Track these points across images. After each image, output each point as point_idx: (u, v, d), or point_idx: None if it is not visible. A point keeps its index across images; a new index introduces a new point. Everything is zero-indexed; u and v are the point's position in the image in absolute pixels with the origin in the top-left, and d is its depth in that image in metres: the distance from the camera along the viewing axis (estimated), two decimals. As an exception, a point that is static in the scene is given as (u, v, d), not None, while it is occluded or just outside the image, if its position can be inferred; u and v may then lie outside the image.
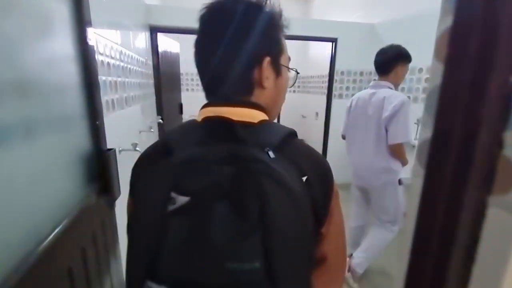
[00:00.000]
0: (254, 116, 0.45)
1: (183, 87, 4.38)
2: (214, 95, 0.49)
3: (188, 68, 4.73)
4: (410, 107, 1.45)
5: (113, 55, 1.16)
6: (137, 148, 1.23)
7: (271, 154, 0.39)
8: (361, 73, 3.34)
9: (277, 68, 0.49)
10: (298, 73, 0.57)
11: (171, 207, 0.34)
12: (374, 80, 1.65)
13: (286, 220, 0.35)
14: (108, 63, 1.09)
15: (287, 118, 3.50)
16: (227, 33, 0.44)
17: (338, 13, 4.02)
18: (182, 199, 0.34)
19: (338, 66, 3.20)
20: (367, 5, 3.33)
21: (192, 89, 4.80)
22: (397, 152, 1.49)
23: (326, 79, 3.88)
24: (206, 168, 0.36)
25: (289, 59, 0.54)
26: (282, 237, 0.35)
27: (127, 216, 0.48)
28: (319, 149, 2.87)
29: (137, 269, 0.36)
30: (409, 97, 2.36)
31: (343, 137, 1.79)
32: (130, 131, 1.43)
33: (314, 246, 0.43)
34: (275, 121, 0.54)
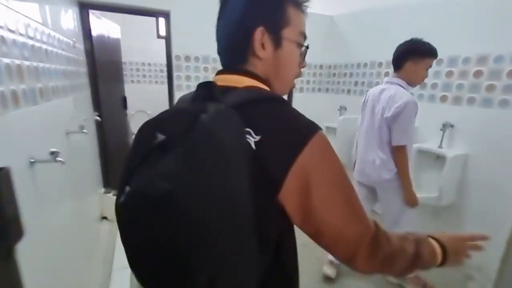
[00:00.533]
0: (240, 81, 0.50)
1: (127, 78, 3.88)
2: (222, 65, 0.55)
3: (133, 56, 4.24)
4: (415, 109, 1.40)
5: (12, 28, 0.81)
6: (59, 158, 0.90)
7: (220, 110, 0.42)
8: (321, 66, 3.25)
9: (277, 40, 0.51)
10: (307, 48, 0.56)
11: (154, 142, 0.42)
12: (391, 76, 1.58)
13: (207, 168, 0.38)
14: (2, 37, 0.74)
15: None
16: (227, 5, 0.51)
17: None
18: (160, 137, 0.41)
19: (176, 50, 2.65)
20: None
21: (138, 81, 4.27)
22: (396, 155, 1.46)
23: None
24: (178, 117, 0.43)
25: (303, 34, 0.54)
26: (186, 185, 0.37)
27: None
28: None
29: (120, 181, 0.43)
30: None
31: None
32: (51, 135, 1.07)
33: (259, 201, 0.41)
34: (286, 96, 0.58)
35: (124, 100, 2.96)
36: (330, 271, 1.72)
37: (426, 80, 1.58)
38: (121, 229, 0.44)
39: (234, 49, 0.52)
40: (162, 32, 2.56)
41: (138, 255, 0.43)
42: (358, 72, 2.84)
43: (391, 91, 1.44)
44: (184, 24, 2.49)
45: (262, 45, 0.50)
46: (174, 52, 2.57)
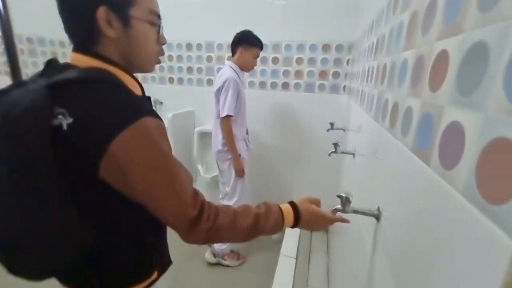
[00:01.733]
0: (83, 62, 0.51)
1: None
2: (73, 44, 0.54)
3: None
4: (236, 86, 1.60)
5: None
6: None
7: (34, 86, 0.45)
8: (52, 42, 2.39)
9: (124, 19, 0.51)
10: (158, 26, 0.58)
11: None
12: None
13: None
14: None
15: None
16: None
17: None
18: None
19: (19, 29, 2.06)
20: None
21: None
22: (221, 126, 1.65)
23: None
24: (19, 89, 0.46)
25: (155, 13, 0.56)
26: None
27: None
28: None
29: None
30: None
31: None
32: None
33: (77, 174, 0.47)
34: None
35: None
36: (209, 256, 1.93)
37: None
38: None
39: (80, 30, 0.51)
40: None
41: None
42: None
43: (221, 72, 1.68)
44: None
45: (110, 24, 0.50)
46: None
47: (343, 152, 1.25)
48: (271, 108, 2.23)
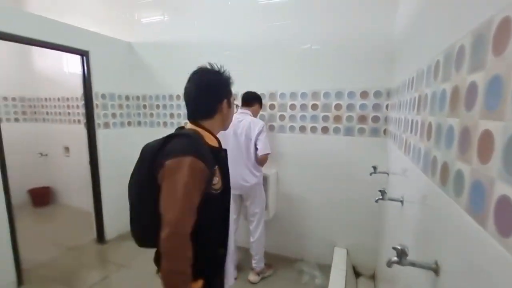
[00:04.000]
0: (189, 127, 0.97)
1: None
2: (188, 116, 1.00)
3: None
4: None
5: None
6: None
7: (165, 137, 0.90)
8: (127, 98, 2.96)
9: (229, 103, 1.04)
10: (237, 106, 1.22)
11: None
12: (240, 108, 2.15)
13: (140, 169, 0.90)
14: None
15: (15, 158, 2.56)
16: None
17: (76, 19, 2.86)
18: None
19: (96, 88, 2.60)
20: (123, 23, 2.98)
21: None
22: (263, 161, 2.03)
23: (76, 103, 3.48)
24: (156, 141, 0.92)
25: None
26: (135, 181, 0.90)
27: None
28: (86, 196, 2.82)
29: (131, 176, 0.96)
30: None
31: None
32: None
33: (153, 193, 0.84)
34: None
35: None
36: (253, 277, 2.20)
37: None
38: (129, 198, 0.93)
39: (203, 111, 0.99)
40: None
41: (132, 209, 0.93)
42: (172, 104, 2.87)
43: (248, 119, 2.03)
44: (103, 63, 2.64)
45: (221, 108, 1.00)
46: (95, 90, 2.60)
47: (390, 199, 1.26)
48: (312, 151, 2.31)
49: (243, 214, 2.28)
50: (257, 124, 2.02)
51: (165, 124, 2.97)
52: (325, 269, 2.30)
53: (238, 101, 2.38)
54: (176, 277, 0.78)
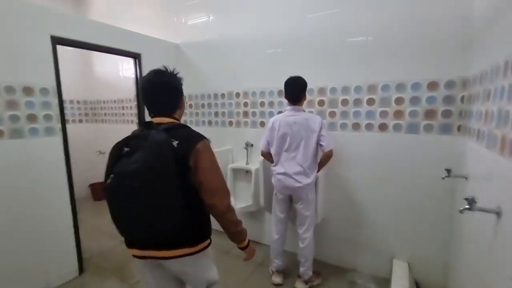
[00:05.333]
0: (164, 120, 1.09)
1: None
2: (153, 112, 1.12)
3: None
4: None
5: None
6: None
7: (159, 131, 0.97)
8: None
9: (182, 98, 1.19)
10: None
11: (123, 152, 0.97)
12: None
13: (151, 157, 0.90)
14: None
15: (78, 156, 2.86)
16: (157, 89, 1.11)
17: (127, 23, 3.02)
18: (125, 149, 0.97)
19: None
20: (170, 26, 3.10)
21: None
22: (328, 157, 1.90)
23: (129, 104, 3.72)
24: (135, 136, 1.02)
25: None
26: (149, 174, 0.89)
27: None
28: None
29: (106, 175, 0.95)
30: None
31: (264, 153, 2.09)
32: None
33: (179, 174, 0.95)
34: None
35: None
36: (300, 285, 2.06)
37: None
38: (110, 202, 0.95)
39: (167, 107, 1.13)
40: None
41: (121, 210, 0.95)
42: (217, 103, 2.85)
43: (303, 115, 1.89)
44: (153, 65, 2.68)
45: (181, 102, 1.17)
46: None
47: (481, 210, 1.02)
48: (366, 150, 2.10)
49: (291, 217, 2.15)
50: (315, 120, 1.88)
51: (209, 122, 2.98)
52: (381, 282, 2.07)
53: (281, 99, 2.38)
54: (239, 226, 1.12)
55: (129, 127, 3.76)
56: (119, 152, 0.95)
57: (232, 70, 2.68)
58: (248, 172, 2.60)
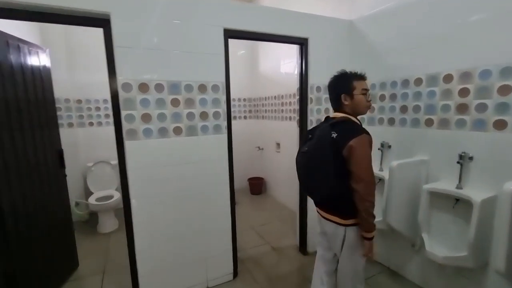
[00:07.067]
0: (338, 115, 1.35)
1: (63, 121, 3.15)
2: (332, 108, 1.44)
3: (82, 92, 3.23)
4: None
5: None
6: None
7: (327, 125, 1.29)
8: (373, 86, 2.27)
9: (351, 96, 1.32)
10: (365, 94, 1.36)
11: (308, 137, 1.41)
12: None
13: (316, 145, 1.28)
14: None
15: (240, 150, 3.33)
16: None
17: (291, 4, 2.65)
18: (309, 136, 1.39)
19: (311, 80, 2.27)
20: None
21: (89, 123, 3.35)
22: None
23: (289, 100, 3.53)
24: (317, 127, 1.42)
25: (364, 89, 1.34)
26: (312, 154, 1.30)
27: None
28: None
29: (297, 152, 1.44)
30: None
31: None
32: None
33: (336, 163, 1.20)
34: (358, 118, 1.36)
35: (60, 154, 2.12)
36: None
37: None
38: (297, 169, 1.43)
39: (335, 103, 1.40)
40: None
41: (300, 175, 1.41)
42: (407, 92, 1.98)
43: None
44: (321, 50, 2.31)
45: (345, 99, 1.33)
46: (311, 82, 2.30)
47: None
48: None
49: None
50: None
51: (391, 121, 2.13)
52: None
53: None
54: (371, 217, 1.23)
55: (286, 125, 3.61)
56: (306, 137, 1.40)
57: (441, 40, 1.73)
58: (459, 201, 1.62)
